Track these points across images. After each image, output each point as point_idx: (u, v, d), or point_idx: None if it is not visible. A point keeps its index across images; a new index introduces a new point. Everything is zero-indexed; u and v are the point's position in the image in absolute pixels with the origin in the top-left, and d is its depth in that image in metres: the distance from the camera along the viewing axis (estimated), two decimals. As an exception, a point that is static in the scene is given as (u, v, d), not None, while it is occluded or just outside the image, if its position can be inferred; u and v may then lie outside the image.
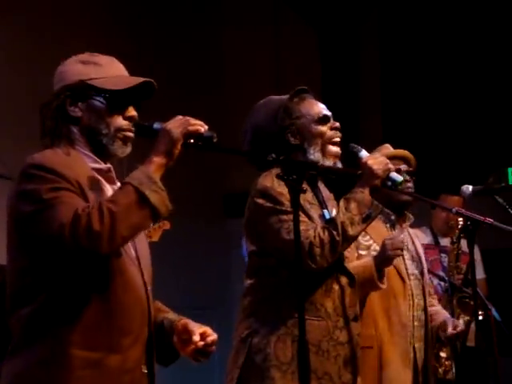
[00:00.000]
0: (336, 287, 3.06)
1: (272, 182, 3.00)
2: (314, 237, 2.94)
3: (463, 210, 3.22)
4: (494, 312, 4.00)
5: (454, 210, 3.21)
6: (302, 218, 2.89)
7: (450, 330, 3.67)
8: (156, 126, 2.30)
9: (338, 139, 3.14)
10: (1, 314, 2.30)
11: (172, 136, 2.24)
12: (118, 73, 2.38)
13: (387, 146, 3.95)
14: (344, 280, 3.09)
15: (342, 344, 3.04)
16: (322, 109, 3.17)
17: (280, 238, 2.96)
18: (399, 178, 3.00)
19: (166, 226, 5.10)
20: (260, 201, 3.02)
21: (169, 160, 2.24)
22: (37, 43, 5.63)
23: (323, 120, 3.14)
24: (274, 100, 3.21)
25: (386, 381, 3.55)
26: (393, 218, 3.77)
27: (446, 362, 4.23)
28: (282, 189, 2.96)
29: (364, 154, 3.10)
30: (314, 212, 3.08)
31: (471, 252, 3.17)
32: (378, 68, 7.70)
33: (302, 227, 2.46)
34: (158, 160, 2.23)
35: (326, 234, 2.96)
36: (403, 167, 3.79)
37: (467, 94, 7.13)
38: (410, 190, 3.72)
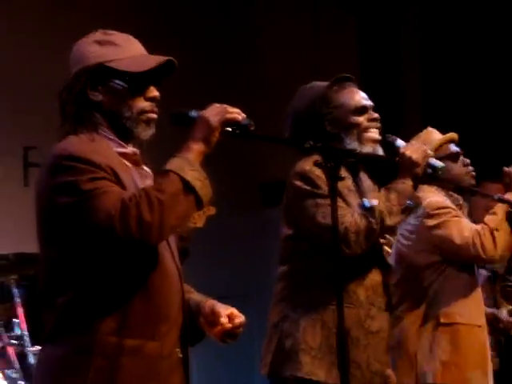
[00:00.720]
0: (370, 275, 3.05)
1: (311, 165, 2.99)
2: (351, 223, 2.93)
3: (505, 197, 3.19)
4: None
5: (496, 196, 3.18)
6: (340, 203, 2.88)
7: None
8: (192, 113, 2.29)
9: (375, 135, 3.11)
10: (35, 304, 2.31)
11: (210, 124, 2.23)
12: (136, 52, 2.33)
13: (431, 129, 3.91)
14: (379, 269, 3.07)
15: (373, 333, 3.04)
16: (360, 99, 3.14)
17: (315, 222, 2.95)
18: (440, 164, 2.98)
19: (211, 211, 5.08)
20: (298, 183, 3.02)
21: (207, 148, 2.24)
22: (58, 29, 5.64)
23: (361, 111, 3.12)
24: (316, 86, 3.19)
25: None
26: (461, 202, 3.75)
27: None
28: (320, 173, 2.95)
29: (400, 143, 3.08)
30: (353, 199, 3.06)
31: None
32: (418, 57, 7.64)
33: (339, 212, 2.46)
34: (196, 147, 2.22)
35: (364, 221, 2.94)
36: (459, 149, 3.80)
37: (509, 80, 7.05)
38: (471, 173, 3.75)
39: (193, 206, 2.18)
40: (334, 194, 2.33)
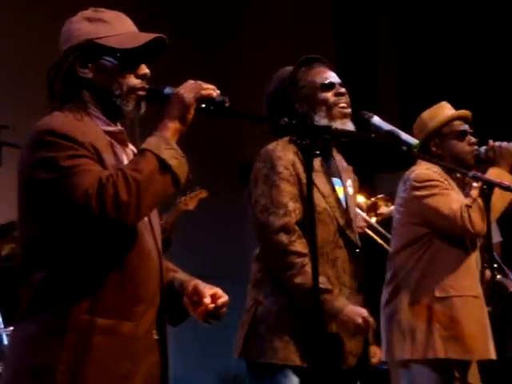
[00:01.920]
0: (340, 257, 3.05)
1: (276, 145, 3.02)
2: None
3: (479, 174, 3.21)
4: (511, 275, 3.99)
5: (470, 173, 3.19)
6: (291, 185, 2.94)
7: None
8: (167, 90, 2.26)
9: (345, 109, 3.11)
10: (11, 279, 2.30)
11: (184, 101, 2.21)
12: (127, 29, 2.32)
13: (444, 104, 3.90)
14: (348, 251, 3.08)
15: None
16: (327, 76, 3.16)
17: (259, 211, 3.00)
18: (414, 141, 2.98)
19: (203, 194, 5.09)
20: (257, 164, 3.05)
21: (183, 125, 2.22)
22: (45, 12, 5.60)
23: (327, 87, 3.13)
24: (285, 70, 3.22)
25: None
26: (459, 176, 3.78)
27: None
28: (284, 152, 2.97)
29: (376, 120, 3.08)
30: (320, 180, 3.06)
31: (488, 216, 3.15)
32: (393, 35, 7.65)
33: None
34: (172, 125, 2.21)
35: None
36: (467, 128, 3.81)
37: (484, 60, 7.08)
38: (476, 152, 3.76)
39: (169, 184, 2.17)
40: (310, 170, 2.33)
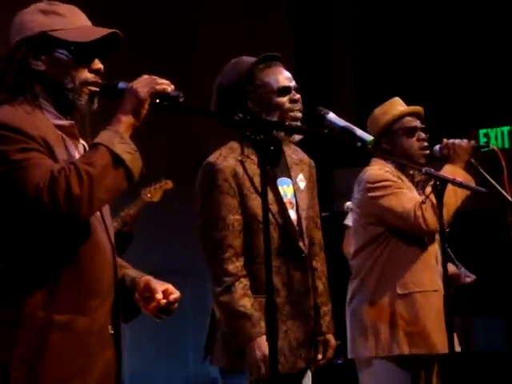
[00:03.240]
0: (284, 262, 3.06)
1: (218, 155, 3.05)
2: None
3: (432, 170, 3.23)
4: (462, 270, 4.03)
5: (423, 169, 3.22)
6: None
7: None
8: (121, 85, 2.25)
9: (297, 114, 3.10)
10: None
11: (139, 96, 2.20)
12: (82, 23, 2.30)
13: (396, 99, 3.91)
14: (291, 256, 3.08)
15: (293, 319, 3.06)
16: (284, 79, 3.13)
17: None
18: (368, 136, 3.00)
19: (168, 185, 5.03)
20: (199, 178, 3.09)
21: (136, 120, 2.21)
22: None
23: (283, 91, 3.11)
24: (243, 62, 3.17)
25: None
26: (412, 172, 3.80)
27: None
28: (225, 164, 3.02)
29: (332, 116, 3.09)
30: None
31: (440, 212, 3.18)
32: (349, 32, 7.69)
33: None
34: (126, 120, 2.20)
35: None
36: (418, 124, 3.82)
37: (437, 56, 7.15)
38: (427, 150, 3.77)
39: (122, 178, 2.16)
40: (264, 165, 2.33)
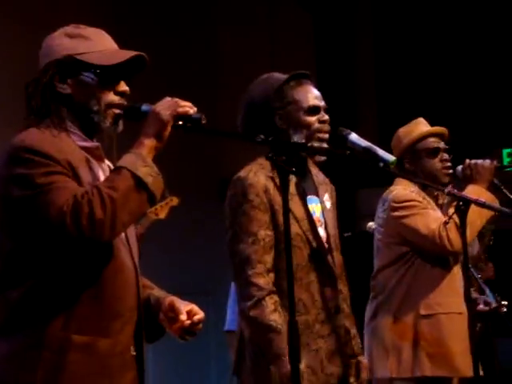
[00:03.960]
0: (314, 279, 3.03)
1: (249, 171, 3.02)
2: None
3: (455, 191, 3.22)
4: (488, 293, 4.00)
5: (446, 190, 3.21)
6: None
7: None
8: (144, 107, 2.27)
9: (325, 135, 3.09)
10: None
11: (162, 118, 2.22)
12: (107, 46, 2.32)
13: (420, 120, 3.91)
14: (321, 273, 3.05)
15: (323, 337, 3.02)
16: (315, 99, 3.11)
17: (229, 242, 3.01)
18: (391, 157, 2.99)
19: (174, 202, 5.00)
20: (229, 191, 3.04)
21: (159, 143, 2.22)
22: (21, 25, 5.60)
23: (313, 111, 3.09)
24: (273, 78, 3.15)
25: None
26: (436, 194, 3.79)
27: None
28: (256, 179, 2.98)
29: (354, 136, 3.08)
30: (294, 203, 3.03)
31: (463, 232, 3.17)
32: (372, 53, 7.70)
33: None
34: (149, 143, 2.21)
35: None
36: (441, 145, 3.82)
37: (461, 76, 7.14)
38: (450, 170, 3.77)
39: (145, 202, 2.18)
40: (286, 187, 2.33)
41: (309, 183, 3.14)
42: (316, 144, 3.06)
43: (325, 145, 3.08)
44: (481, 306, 3.92)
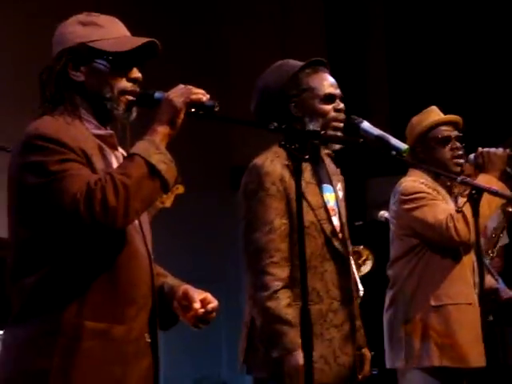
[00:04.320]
0: (327, 270, 3.01)
1: (265, 159, 2.99)
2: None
3: (468, 179, 3.21)
4: (500, 283, 4.00)
5: (459, 178, 3.20)
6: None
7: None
8: (157, 95, 2.27)
9: (340, 124, 3.07)
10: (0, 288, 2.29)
11: (175, 105, 2.22)
12: (120, 33, 2.33)
13: (433, 108, 3.89)
14: (335, 262, 3.04)
15: (337, 327, 3.01)
16: (331, 86, 3.09)
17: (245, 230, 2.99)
18: (403, 146, 2.98)
19: (180, 190, 4.97)
20: (245, 179, 3.01)
21: (172, 130, 2.23)
22: (35, 16, 5.60)
23: (329, 99, 3.07)
24: (289, 65, 3.12)
25: None
26: (449, 184, 3.78)
27: None
28: (272, 167, 2.95)
29: (366, 125, 3.07)
30: (310, 192, 3.02)
31: (476, 221, 3.16)
32: (384, 42, 7.67)
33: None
34: (162, 130, 2.21)
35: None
36: (453, 133, 3.80)
37: (473, 64, 7.11)
38: (461, 159, 3.76)
39: (158, 189, 2.18)
40: (299, 174, 2.32)
41: (323, 172, 3.13)
42: (331, 132, 3.04)
43: (339, 133, 3.06)
44: (504, 295, 3.91)
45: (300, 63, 3.11)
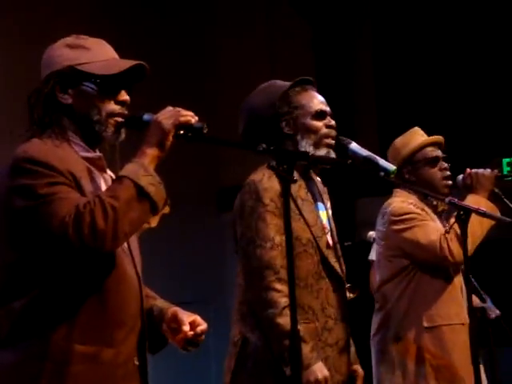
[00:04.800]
0: (323, 289, 3.00)
1: (262, 176, 2.98)
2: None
3: (456, 200, 3.22)
4: (489, 303, 3.99)
5: (447, 199, 3.20)
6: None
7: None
8: (146, 117, 2.27)
9: (332, 141, 3.08)
10: None
11: (163, 127, 2.22)
12: (108, 56, 2.33)
13: (416, 129, 3.90)
14: (331, 281, 3.03)
15: (331, 346, 3.00)
16: (321, 103, 3.11)
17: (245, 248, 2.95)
18: (391, 167, 2.99)
19: (165, 210, 4.99)
20: (242, 195, 3.00)
21: (161, 152, 2.23)
22: (22, 35, 5.61)
23: (320, 115, 3.09)
24: (276, 85, 3.15)
25: None
26: (435, 203, 3.77)
27: None
28: (270, 184, 2.94)
29: (354, 146, 3.08)
30: (307, 209, 3.03)
31: (464, 242, 3.16)
32: (371, 61, 7.71)
33: None
34: (151, 152, 2.21)
35: None
36: (440, 153, 3.81)
37: (460, 85, 7.15)
38: (450, 180, 3.76)
39: (147, 211, 2.18)
40: (287, 196, 2.32)
41: (315, 190, 3.13)
42: (320, 152, 3.05)
43: (331, 151, 3.07)
44: (492, 315, 3.91)
45: (287, 83, 3.13)
